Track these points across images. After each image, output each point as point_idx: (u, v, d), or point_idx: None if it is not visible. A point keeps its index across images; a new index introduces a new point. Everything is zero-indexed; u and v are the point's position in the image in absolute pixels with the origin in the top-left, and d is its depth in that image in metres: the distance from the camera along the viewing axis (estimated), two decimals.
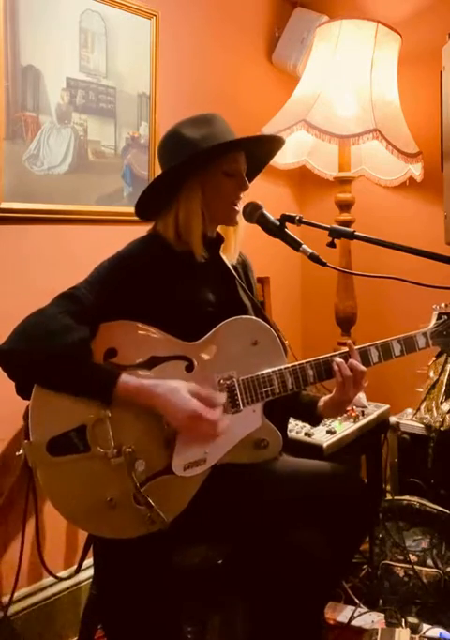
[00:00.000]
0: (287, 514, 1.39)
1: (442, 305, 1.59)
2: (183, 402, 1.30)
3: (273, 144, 1.59)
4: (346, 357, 1.48)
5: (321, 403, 1.56)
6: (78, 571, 1.73)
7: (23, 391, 1.31)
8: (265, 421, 1.44)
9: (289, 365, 1.46)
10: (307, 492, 1.43)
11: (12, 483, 1.80)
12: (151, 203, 1.49)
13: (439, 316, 1.57)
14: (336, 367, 1.46)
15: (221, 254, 1.60)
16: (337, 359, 1.47)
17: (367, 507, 1.53)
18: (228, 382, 1.41)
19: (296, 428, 1.96)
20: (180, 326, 1.40)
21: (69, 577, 1.82)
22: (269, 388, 1.43)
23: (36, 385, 1.29)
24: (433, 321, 1.57)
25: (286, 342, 1.56)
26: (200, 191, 1.46)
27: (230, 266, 1.59)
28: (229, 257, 1.61)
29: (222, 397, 1.38)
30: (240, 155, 1.50)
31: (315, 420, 1.61)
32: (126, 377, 1.30)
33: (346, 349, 1.50)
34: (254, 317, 1.51)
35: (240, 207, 1.52)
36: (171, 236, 1.47)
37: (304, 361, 1.47)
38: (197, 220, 1.46)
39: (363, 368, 1.47)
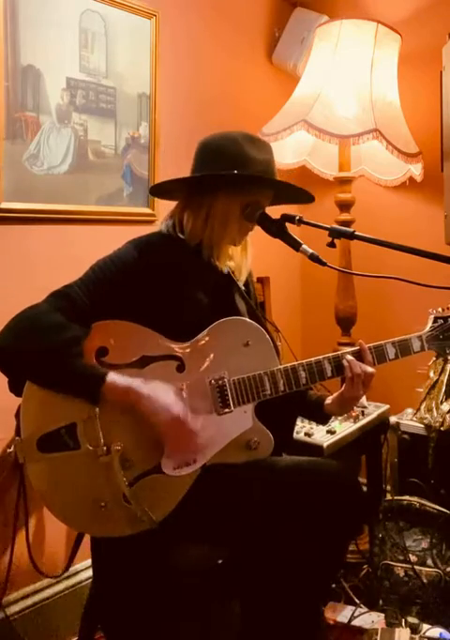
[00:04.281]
0: (278, 513, 1.39)
1: (439, 309, 1.59)
2: (166, 405, 1.31)
3: (303, 197, 1.59)
4: (356, 355, 1.49)
5: (328, 401, 1.57)
6: (67, 568, 1.71)
7: (15, 388, 1.32)
8: (256, 422, 1.44)
9: (281, 366, 1.46)
10: (297, 490, 1.42)
11: (2, 480, 1.80)
12: (176, 187, 1.52)
13: (435, 320, 1.58)
14: (346, 363, 1.47)
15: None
16: (348, 357, 1.48)
17: (358, 503, 1.51)
18: (219, 382, 1.41)
19: (296, 428, 1.94)
20: (172, 326, 1.40)
21: (59, 577, 1.79)
22: (260, 389, 1.43)
23: (27, 382, 1.30)
24: (429, 324, 1.58)
25: (279, 343, 1.56)
26: (239, 206, 1.47)
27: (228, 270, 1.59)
28: (239, 276, 1.62)
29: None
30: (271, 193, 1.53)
31: (323, 419, 1.62)
32: (113, 377, 1.29)
33: (345, 349, 1.50)
34: (246, 318, 1.51)
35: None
36: (195, 233, 1.48)
37: (296, 363, 1.47)
38: (232, 231, 1.49)
39: (372, 370, 1.48)
